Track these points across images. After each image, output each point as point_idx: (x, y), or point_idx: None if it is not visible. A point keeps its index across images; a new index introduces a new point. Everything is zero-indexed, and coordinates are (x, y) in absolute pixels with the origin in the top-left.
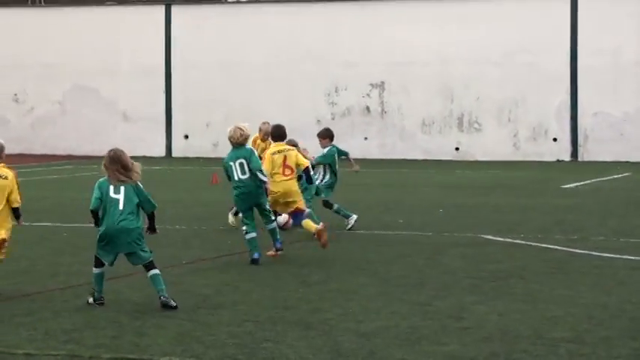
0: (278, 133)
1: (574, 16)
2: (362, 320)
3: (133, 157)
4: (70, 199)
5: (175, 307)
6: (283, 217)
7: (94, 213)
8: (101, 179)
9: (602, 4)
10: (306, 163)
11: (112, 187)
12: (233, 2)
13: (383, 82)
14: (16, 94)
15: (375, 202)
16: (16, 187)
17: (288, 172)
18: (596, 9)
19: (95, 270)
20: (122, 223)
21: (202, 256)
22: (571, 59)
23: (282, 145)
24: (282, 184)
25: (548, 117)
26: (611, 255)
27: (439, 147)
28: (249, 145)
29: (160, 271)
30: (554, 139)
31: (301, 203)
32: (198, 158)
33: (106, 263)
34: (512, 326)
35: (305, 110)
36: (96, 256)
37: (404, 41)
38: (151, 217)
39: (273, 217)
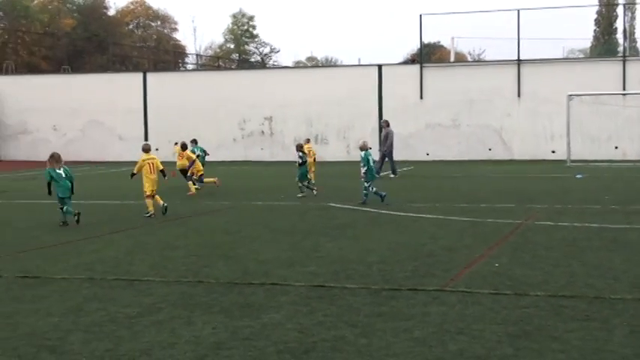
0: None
1: (380, 76)
2: (260, 253)
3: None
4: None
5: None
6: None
7: (49, 183)
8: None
9: (396, 70)
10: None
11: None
12: (184, 71)
13: (271, 117)
14: (54, 125)
15: (269, 185)
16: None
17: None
18: (393, 72)
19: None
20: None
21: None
22: (379, 102)
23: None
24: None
25: (366, 135)
26: (402, 213)
27: None
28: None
29: None
30: (370, 148)
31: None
32: (162, 163)
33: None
34: (346, 255)
35: (226, 133)
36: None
37: (283, 92)
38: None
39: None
